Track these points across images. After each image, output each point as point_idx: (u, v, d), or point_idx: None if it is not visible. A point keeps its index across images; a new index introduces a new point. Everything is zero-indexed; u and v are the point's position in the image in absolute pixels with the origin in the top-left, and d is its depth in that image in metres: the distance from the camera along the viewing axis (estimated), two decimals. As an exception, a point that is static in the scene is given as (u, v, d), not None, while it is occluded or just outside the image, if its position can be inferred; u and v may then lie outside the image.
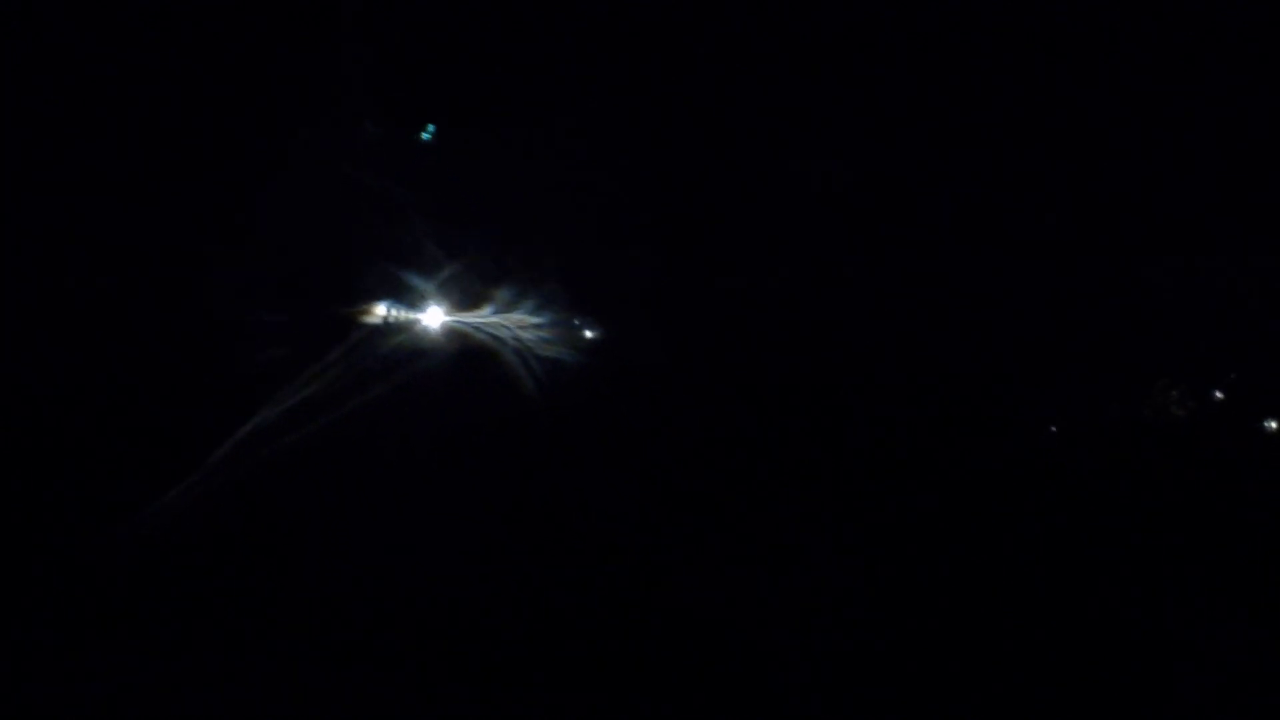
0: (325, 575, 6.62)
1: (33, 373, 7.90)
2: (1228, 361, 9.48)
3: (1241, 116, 9.07)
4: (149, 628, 5.93)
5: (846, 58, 9.15)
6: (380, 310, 8.66)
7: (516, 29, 8.86)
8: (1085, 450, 9.05)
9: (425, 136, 8.94)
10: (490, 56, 8.85)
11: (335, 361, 8.15)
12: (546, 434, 8.28)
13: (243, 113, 8.37)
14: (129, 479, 7.24)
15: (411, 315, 8.74)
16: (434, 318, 8.79)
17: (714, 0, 9.16)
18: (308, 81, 8.50)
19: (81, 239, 8.23)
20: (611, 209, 8.97)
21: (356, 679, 5.58)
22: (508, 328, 8.79)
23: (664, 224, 9.17)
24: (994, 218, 9.38)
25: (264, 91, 8.41)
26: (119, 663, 5.49)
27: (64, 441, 7.62)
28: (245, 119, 8.39)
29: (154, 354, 8.14)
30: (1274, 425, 9.42)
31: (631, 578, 6.96)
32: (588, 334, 9.08)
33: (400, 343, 8.59)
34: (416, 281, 8.68)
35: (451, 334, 8.79)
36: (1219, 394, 9.42)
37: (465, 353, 8.75)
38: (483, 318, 8.81)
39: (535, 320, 8.84)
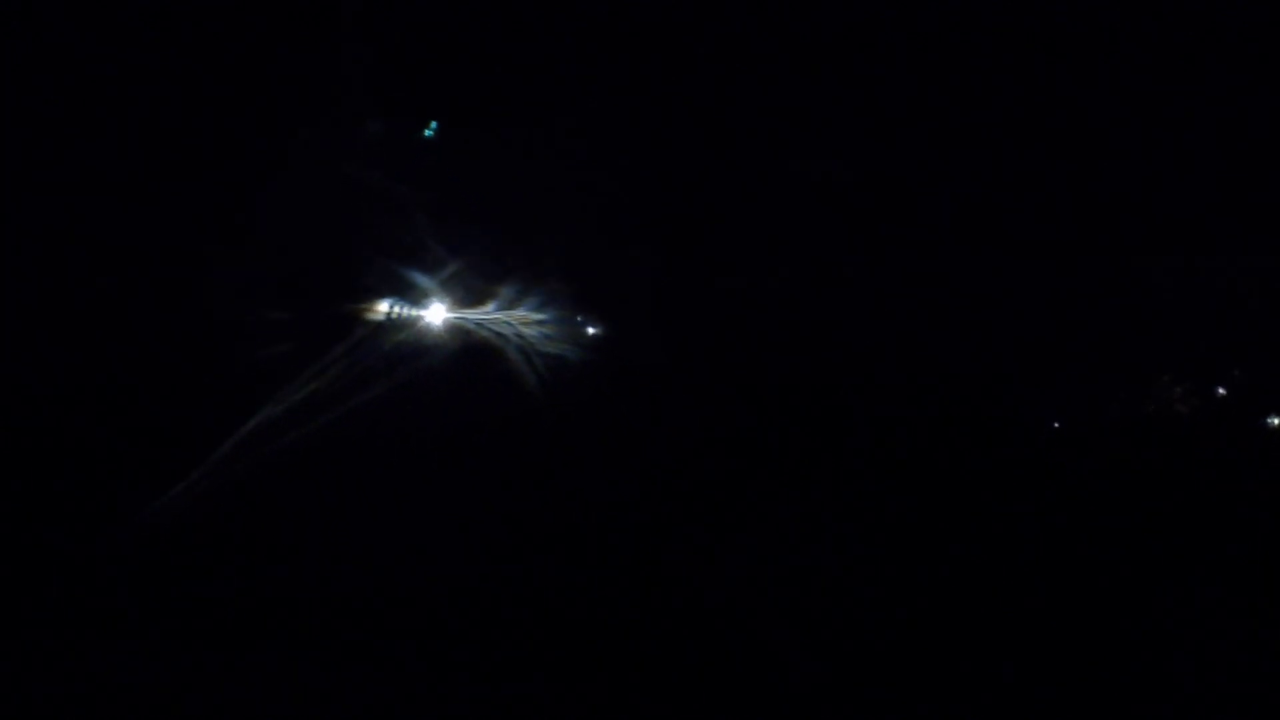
0: (327, 573, 6.62)
1: (33, 373, 7.90)
2: (1231, 359, 9.49)
3: (1241, 116, 9.07)
4: (149, 628, 5.92)
5: (846, 58, 9.15)
6: (383, 307, 8.67)
7: (519, 28, 8.87)
8: (1087, 448, 9.05)
9: (427, 134, 8.95)
10: (492, 55, 8.86)
11: (338, 359, 8.16)
12: (549, 431, 8.28)
13: (243, 112, 8.38)
14: (130, 479, 7.24)
15: (414, 312, 8.75)
16: (436, 315, 8.80)
17: (714, 0, 9.17)
18: (309, 80, 8.51)
19: (81, 239, 8.22)
20: (614, 207, 8.98)
21: (357, 679, 5.57)
22: (510, 325, 8.80)
23: (666, 222, 9.18)
24: (994, 218, 9.38)
25: (265, 90, 8.41)
26: (119, 663, 5.49)
27: (64, 442, 7.62)
28: (246, 118, 8.39)
29: (155, 353, 8.14)
30: (1277, 423, 9.42)
31: (633, 575, 6.96)
32: (590, 331, 9.09)
33: (403, 340, 8.60)
34: (419, 279, 8.70)
35: (454, 331, 8.80)
36: (1222, 391, 9.42)
37: (468, 350, 8.76)
38: (485, 315, 8.82)
39: (538, 317, 8.85)
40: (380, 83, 8.71)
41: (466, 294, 8.84)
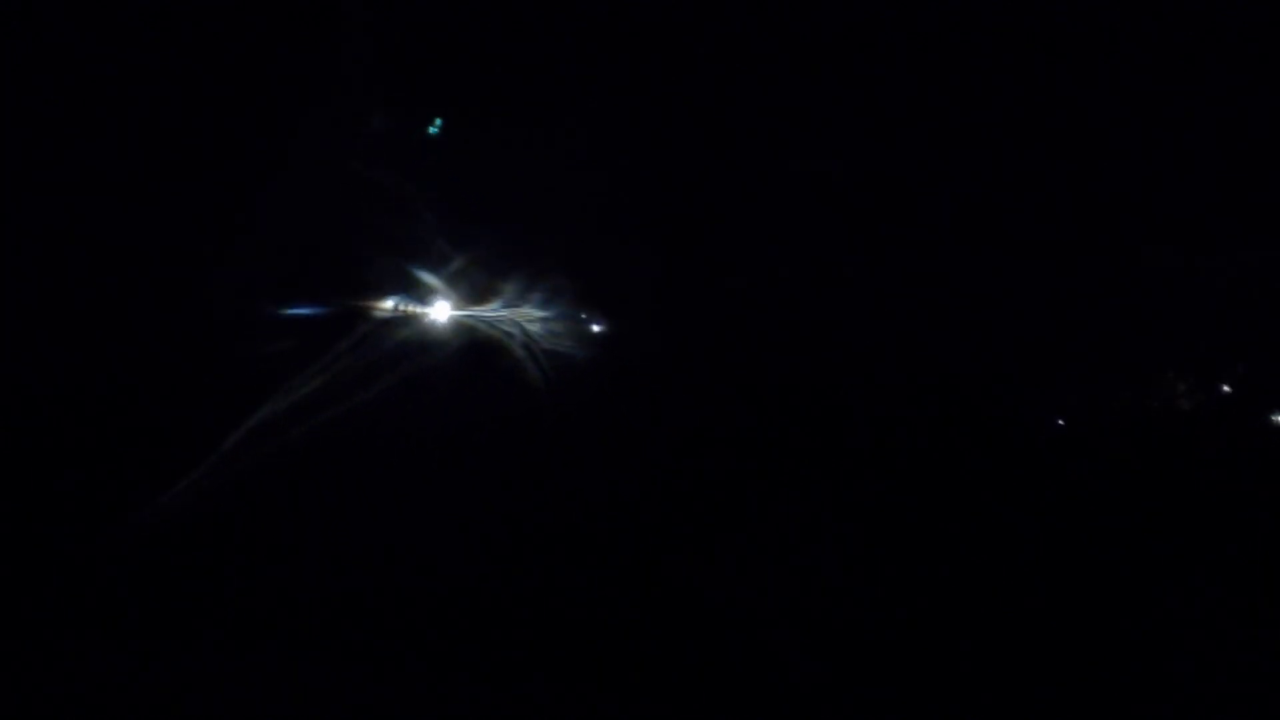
0: (329, 572, 6.62)
1: (33, 373, 7.89)
2: (1232, 357, 9.48)
3: (1241, 116, 9.07)
4: (149, 627, 5.92)
5: (846, 58, 9.15)
6: (387, 304, 8.68)
7: (523, 25, 8.87)
8: (1087, 448, 9.05)
9: (432, 131, 8.95)
10: (497, 52, 8.86)
11: (342, 355, 8.18)
12: (553, 428, 8.29)
13: (247, 107, 8.37)
14: (133, 475, 7.24)
15: (418, 309, 8.76)
16: (441, 311, 8.81)
17: (714, 0, 9.17)
18: (314, 77, 8.51)
19: (81, 239, 8.22)
20: (618, 204, 8.98)
21: (357, 679, 5.57)
22: (515, 321, 8.82)
23: (670, 219, 9.18)
24: (994, 218, 9.37)
25: (269, 85, 8.41)
26: (119, 663, 5.49)
27: (64, 442, 7.61)
28: (250, 113, 8.39)
29: (160, 347, 8.13)
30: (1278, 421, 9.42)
31: (635, 573, 6.95)
32: (594, 328, 9.09)
33: (407, 336, 8.61)
34: (423, 275, 8.71)
35: (458, 328, 8.81)
36: (1225, 388, 9.41)
37: (472, 346, 8.77)
38: (490, 312, 8.84)
39: (542, 314, 8.86)
40: (383, 80, 8.71)
41: (471, 291, 8.86)
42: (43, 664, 5.45)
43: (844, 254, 9.34)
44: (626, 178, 9.01)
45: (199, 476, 7.35)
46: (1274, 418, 9.36)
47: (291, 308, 8.37)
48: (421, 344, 8.63)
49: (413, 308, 8.75)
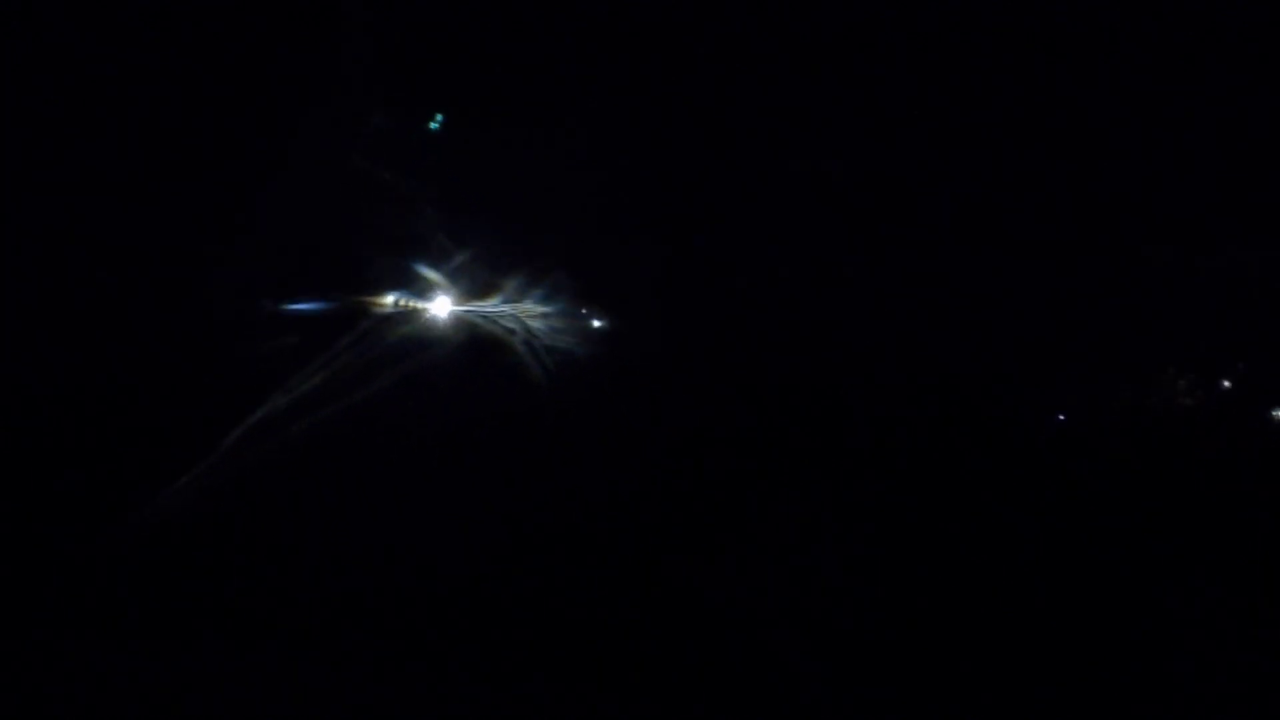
0: (329, 571, 6.61)
1: (33, 373, 7.89)
2: (1234, 355, 9.48)
3: (1241, 116, 9.07)
4: (149, 627, 5.92)
5: (846, 58, 9.15)
6: (388, 300, 8.68)
7: (525, 22, 8.87)
8: (1088, 448, 9.05)
9: (433, 127, 8.96)
10: (499, 48, 8.87)
11: (343, 351, 8.18)
12: (554, 424, 8.29)
13: (249, 102, 8.37)
14: (134, 473, 7.24)
15: (419, 305, 8.77)
16: (442, 307, 8.82)
17: (714, 0, 9.17)
18: (316, 74, 8.51)
19: (81, 239, 8.22)
20: (619, 200, 8.99)
21: (357, 679, 5.57)
22: (516, 317, 8.83)
23: (671, 216, 9.19)
24: (994, 218, 9.38)
25: (271, 81, 8.41)
26: (119, 662, 5.49)
27: (64, 441, 7.61)
28: (252, 108, 8.39)
29: (156, 352, 8.13)
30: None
31: (636, 571, 6.95)
32: (595, 324, 9.10)
33: (408, 332, 8.61)
34: (424, 271, 8.72)
35: (459, 324, 8.82)
36: (1226, 383, 9.41)
37: (473, 342, 8.78)
38: (491, 307, 8.85)
39: (543, 310, 8.88)
40: (383, 79, 8.71)
41: (472, 286, 8.86)
42: (43, 664, 5.45)
43: (844, 254, 9.34)
44: (627, 175, 9.02)
45: (199, 474, 7.35)
46: (1274, 417, 9.36)
47: (292, 304, 8.38)
48: (422, 340, 8.64)
49: (413, 303, 8.76)
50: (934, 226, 9.44)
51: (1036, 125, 9.28)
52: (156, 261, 8.24)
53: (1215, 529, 7.95)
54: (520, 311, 8.85)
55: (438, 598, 6.41)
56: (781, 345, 9.18)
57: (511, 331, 8.79)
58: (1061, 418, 9.33)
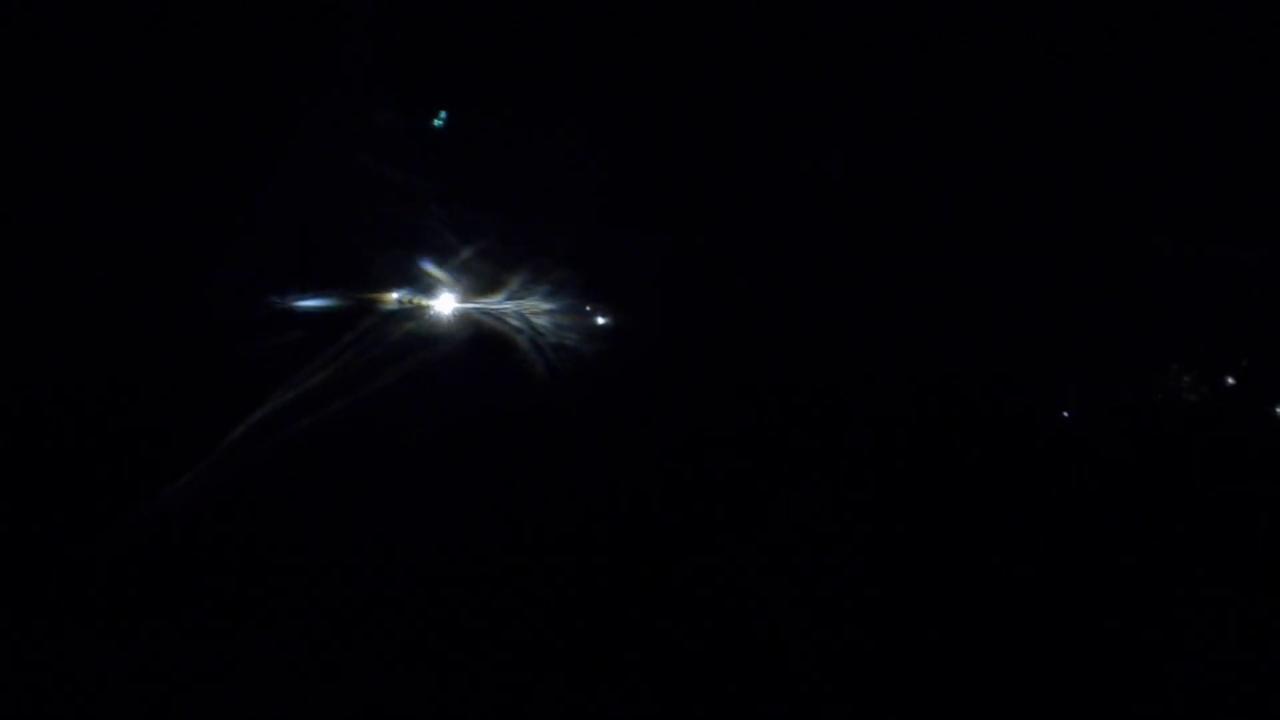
0: (330, 570, 6.61)
1: (33, 373, 7.89)
2: (1236, 353, 9.47)
3: (1241, 116, 9.07)
4: (149, 625, 5.92)
5: (846, 58, 9.15)
6: (393, 296, 8.69)
7: (528, 19, 8.88)
8: (1088, 448, 9.05)
9: (436, 124, 8.96)
10: (502, 45, 8.87)
11: (347, 348, 8.19)
12: (558, 420, 8.30)
13: (253, 100, 8.38)
14: (135, 471, 7.24)
15: (424, 301, 8.77)
16: (446, 304, 8.83)
17: (714, 0, 9.18)
18: (320, 71, 8.51)
19: (81, 239, 8.22)
20: (623, 198, 9.00)
21: (357, 679, 5.57)
22: (520, 314, 8.84)
23: (674, 215, 9.20)
24: (994, 218, 9.38)
25: (275, 79, 8.41)
26: (119, 661, 5.49)
27: (64, 441, 7.61)
28: (256, 106, 8.39)
29: (156, 351, 8.13)
30: None
31: (640, 567, 6.95)
32: (599, 320, 9.11)
33: (412, 329, 8.62)
34: (429, 268, 8.73)
35: (464, 320, 8.83)
36: (1227, 385, 9.41)
37: (477, 339, 8.79)
38: (495, 304, 8.86)
39: (547, 306, 8.89)
40: (385, 77, 8.72)
41: (476, 283, 8.88)
42: (43, 664, 5.45)
43: (844, 254, 9.34)
44: (631, 174, 9.03)
45: (202, 472, 7.35)
46: (1275, 415, 9.35)
47: (297, 301, 8.39)
48: (427, 337, 8.65)
49: (418, 300, 8.77)
50: (934, 226, 9.44)
51: (1036, 125, 9.28)
52: (157, 261, 8.24)
53: (1216, 528, 7.95)
54: (525, 308, 8.86)
55: (441, 596, 6.40)
56: (783, 343, 9.18)
57: (516, 328, 8.80)
58: (1066, 415, 9.33)
